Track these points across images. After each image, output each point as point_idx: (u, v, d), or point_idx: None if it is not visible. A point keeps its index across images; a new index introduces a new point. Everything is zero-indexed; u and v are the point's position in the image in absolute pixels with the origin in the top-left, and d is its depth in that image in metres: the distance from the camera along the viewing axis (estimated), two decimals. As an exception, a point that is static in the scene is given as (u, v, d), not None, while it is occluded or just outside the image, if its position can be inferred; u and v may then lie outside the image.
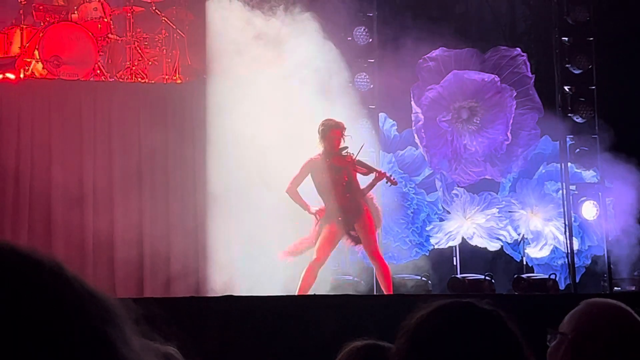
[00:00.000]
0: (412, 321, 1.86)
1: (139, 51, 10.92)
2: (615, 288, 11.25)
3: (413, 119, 11.68)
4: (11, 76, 10.38)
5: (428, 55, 11.80)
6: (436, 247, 11.82)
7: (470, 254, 12.18)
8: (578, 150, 11.60)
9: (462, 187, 11.84)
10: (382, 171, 9.26)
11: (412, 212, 11.77)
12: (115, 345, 0.92)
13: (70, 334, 0.89)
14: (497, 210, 11.90)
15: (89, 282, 0.96)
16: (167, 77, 10.97)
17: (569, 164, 11.64)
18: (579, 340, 2.39)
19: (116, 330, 0.93)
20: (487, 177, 11.84)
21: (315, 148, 8.98)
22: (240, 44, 10.30)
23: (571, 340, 2.40)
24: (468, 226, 11.81)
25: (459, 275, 11.34)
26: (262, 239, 10.03)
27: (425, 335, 1.83)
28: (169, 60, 11.04)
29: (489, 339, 1.83)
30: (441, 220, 11.86)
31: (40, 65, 10.43)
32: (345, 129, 8.95)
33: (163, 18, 11.12)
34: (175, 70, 11.00)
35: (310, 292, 8.71)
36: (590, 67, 11.68)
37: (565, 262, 11.73)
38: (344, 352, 2.81)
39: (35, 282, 0.91)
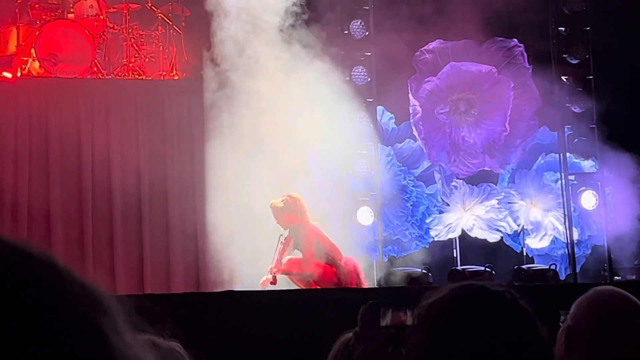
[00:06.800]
0: (425, 309, 1.85)
1: (136, 48, 10.90)
2: (616, 277, 11.25)
3: (411, 111, 11.67)
4: (8, 75, 10.37)
5: (425, 47, 11.78)
6: (436, 239, 11.81)
7: (470, 246, 12.18)
8: (576, 140, 11.59)
9: (461, 179, 11.83)
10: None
11: (411, 205, 11.77)
12: (106, 334, 0.92)
13: (61, 323, 0.90)
14: (497, 201, 11.89)
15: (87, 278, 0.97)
16: (164, 73, 10.95)
17: (568, 154, 11.64)
18: (573, 324, 2.41)
19: (107, 320, 0.93)
20: (485, 168, 11.83)
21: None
22: (238, 39, 10.30)
23: (568, 325, 2.42)
24: (467, 218, 11.81)
25: (459, 267, 11.35)
26: (261, 235, 10.03)
27: (443, 324, 1.83)
28: (166, 56, 11.03)
29: (506, 321, 1.84)
30: (440, 212, 11.86)
31: (37, 64, 10.42)
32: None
33: (159, 14, 11.10)
34: (172, 66, 10.99)
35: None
36: (587, 56, 11.67)
37: (565, 252, 11.73)
38: (337, 344, 2.81)
39: (26, 272, 0.91)
